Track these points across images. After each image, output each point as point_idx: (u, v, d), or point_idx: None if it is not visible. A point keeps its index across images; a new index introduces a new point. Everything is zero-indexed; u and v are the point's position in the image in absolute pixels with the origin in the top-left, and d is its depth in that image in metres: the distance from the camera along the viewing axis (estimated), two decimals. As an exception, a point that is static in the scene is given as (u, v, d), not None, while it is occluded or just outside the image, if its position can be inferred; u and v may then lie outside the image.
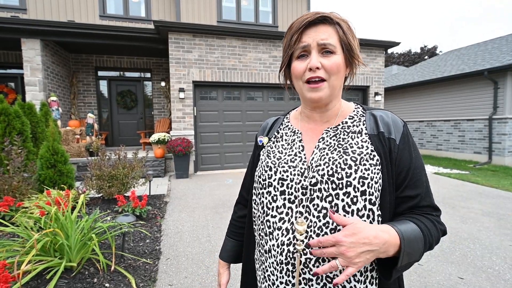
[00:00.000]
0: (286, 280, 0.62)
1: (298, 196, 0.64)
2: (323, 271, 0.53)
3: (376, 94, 7.72)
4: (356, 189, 0.60)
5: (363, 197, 0.60)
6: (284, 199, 0.65)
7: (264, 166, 0.71)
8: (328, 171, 0.62)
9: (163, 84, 8.23)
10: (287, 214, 0.64)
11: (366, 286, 0.60)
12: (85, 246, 2.17)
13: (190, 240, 2.95)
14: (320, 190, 0.62)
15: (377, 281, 0.62)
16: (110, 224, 2.30)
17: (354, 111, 0.73)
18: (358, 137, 0.66)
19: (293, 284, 0.61)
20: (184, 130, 6.32)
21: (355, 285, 0.59)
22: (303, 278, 0.60)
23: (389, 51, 8.31)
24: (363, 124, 0.69)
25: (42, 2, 7.30)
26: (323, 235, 0.59)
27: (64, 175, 3.88)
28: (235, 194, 4.71)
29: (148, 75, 8.45)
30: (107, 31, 6.15)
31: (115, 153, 3.93)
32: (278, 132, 0.78)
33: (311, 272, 0.59)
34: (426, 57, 30.77)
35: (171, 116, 6.50)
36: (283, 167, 0.68)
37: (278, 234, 0.64)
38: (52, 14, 7.35)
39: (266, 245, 0.66)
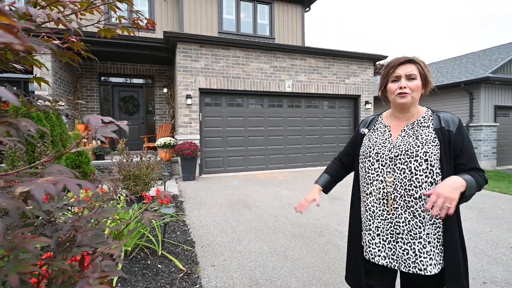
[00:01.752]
0: (382, 209, 1.10)
1: (387, 162, 1.14)
2: (436, 211, 0.95)
3: (367, 102, 8.35)
4: (420, 158, 1.08)
5: (426, 162, 1.07)
6: (379, 163, 1.16)
7: (367, 146, 1.23)
8: (405, 148, 1.11)
9: (165, 90, 8.50)
10: (381, 172, 1.15)
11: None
12: (138, 233, 2.47)
13: (216, 231, 3.27)
14: (400, 159, 1.11)
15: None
16: (156, 214, 2.60)
17: (425, 113, 1.17)
18: (426, 129, 1.12)
19: (387, 211, 1.09)
20: (190, 135, 6.62)
21: (423, 210, 1.07)
22: (392, 207, 1.06)
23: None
24: (431, 121, 1.14)
25: (47, 9, 7.45)
26: (404, 183, 1.06)
27: (87, 175, 4.10)
28: (245, 194, 5.06)
29: (150, 81, 8.69)
30: (117, 40, 6.41)
31: (137, 155, 4.20)
32: (375, 126, 1.28)
33: (427, 211, 1.06)
34: (406, 68, 32.43)
35: (178, 121, 6.78)
36: (378, 146, 1.18)
37: (376, 183, 1.15)
38: (58, 21, 7.49)
39: (368, 189, 1.19)
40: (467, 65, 11.20)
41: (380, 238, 1.15)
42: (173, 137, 7.84)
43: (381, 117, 1.29)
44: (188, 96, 6.54)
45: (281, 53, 7.45)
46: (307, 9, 10.41)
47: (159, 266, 2.35)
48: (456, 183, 0.98)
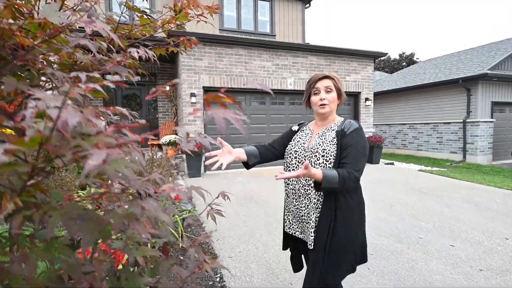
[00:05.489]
0: (293, 196, 1.46)
1: (302, 159, 1.42)
2: (297, 175, 1.16)
3: (367, 99, 8.51)
4: (319, 154, 1.35)
5: (323, 158, 1.34)
6: (296, 160, 1.45)
7: (292, 145, 1.51)
8: (312, 147, 1.39)
9: (167, 88, 8.59)
10: (296, 167, 1.44)
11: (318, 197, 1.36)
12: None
13: (229, 226, 3.44)
14: (308, 155, 1.39)
15: (322, 197, 1.35)
16: (178, 209, 2.76)
17: (339, 121, 1.44)
18: (331, 132, 1.39)
19: (295, 198, 1.44)
20: (195, 133, 6.75)
21: (315, 197, 1.36)
22: (299, 195, 1.43)
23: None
24: (337, 126, 1.40)
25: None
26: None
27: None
28: (251, 189, 5.23)
29: (153, 79, 8.77)
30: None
31: (147, 153, 4.34)
32: (303, 128, 1.57)
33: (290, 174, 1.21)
34: (404, 63, 32.62)
35: (182, 119, 6.90)
36: (298, 146, 1.48)
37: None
38: (61, 19, 7.52)
39: (287, 181, 1.51)
40: (465, 61, 11.37)
41: (294, 219, 1.48)
42: (176, 134, 7.96)
43: (309, 124, 1.59)
44: (192, 94, 6.66)
45: (283, 51, 7.56)
46: (307, 5, 10.48)
47: (181, 257, 2.52)
48: (317, 173, 1.18)
